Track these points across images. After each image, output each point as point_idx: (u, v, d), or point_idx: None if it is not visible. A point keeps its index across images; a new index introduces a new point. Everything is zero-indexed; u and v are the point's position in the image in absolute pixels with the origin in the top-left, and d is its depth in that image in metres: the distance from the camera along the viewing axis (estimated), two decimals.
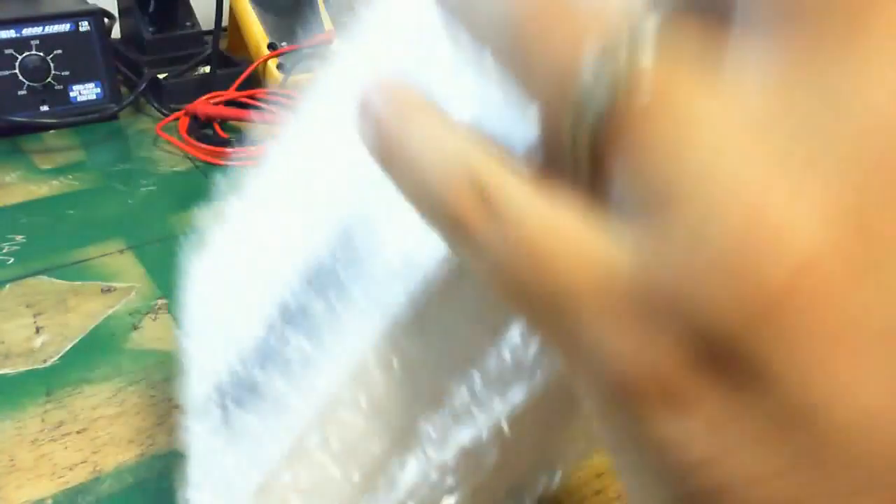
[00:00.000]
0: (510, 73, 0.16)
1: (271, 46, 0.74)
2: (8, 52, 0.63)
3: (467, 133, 0.17)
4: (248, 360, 0.25)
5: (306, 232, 0.25)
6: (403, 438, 0.22)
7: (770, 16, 0.13)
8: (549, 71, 0.15)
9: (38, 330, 0.42)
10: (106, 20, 0.68)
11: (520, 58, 0.15)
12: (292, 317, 0.23)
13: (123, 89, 0.72)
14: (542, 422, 0.22)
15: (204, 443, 0.26)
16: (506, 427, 0.21)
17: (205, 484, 0.26)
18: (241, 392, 0.25)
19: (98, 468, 0.33)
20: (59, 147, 0.64)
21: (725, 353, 0.13)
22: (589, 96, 0.14)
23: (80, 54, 0.66)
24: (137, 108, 0.71)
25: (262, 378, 0.24)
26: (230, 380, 0.26)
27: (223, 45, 0.80)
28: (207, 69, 0.72)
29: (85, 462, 0.34)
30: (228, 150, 0.62)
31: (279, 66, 0.73)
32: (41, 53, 0.64)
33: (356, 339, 0.21)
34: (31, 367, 0.39)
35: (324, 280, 0.22)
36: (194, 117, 0.65)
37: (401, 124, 0.17)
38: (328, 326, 0.22)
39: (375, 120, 0.18)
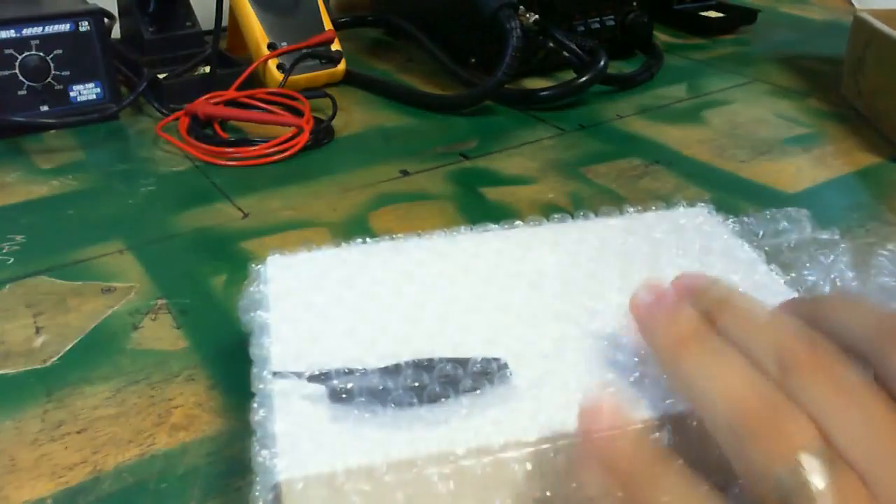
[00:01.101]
0: (725, 448, 0.24)
1: (271, 46, 0.74)
2: (8, 52, 0.63)
3: (703, 495, 0.24)
4: (372, 372, 0.29)
5: (479, 323, 0.32)
6: None
7: None
8: (757, 460, 0.23)
9: (38, 330, 0.42)
10: (106, 20, 0.68)
11: (738, 443, 0.24)
12: (430, 371, 0.29)
13: (123, 89, 0.72)
14: None
15: (300, 407, 0.28)
16: None
17: (295, 443, 0.27)
18: (360, 388, 0.28)
19: (98, 468, 0.33)
20: (59, 147, 0.64)
21: None
22: (780, 486, 0.22)
23: (80, 54, 0.66)
24: (137, 108, 0.71)
25: (382, 393, 0.28)
26: (346, 374, 0.29)
27: (223, 45, 0.80)
28: (207, 69, 0.72)
29: (85, 462, 0.34)
30: (228, 150, 0.62)
31: (279, 66, 0.73)
32: (41, 53, 0.64)
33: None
34: (31, 367, 0.39)
35: (469, 372, 0.29)
36: (194, 117, 0.65)
37: (651, 484, 0.24)
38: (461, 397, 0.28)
39: (624, 475, 0.25)
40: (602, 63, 0.73)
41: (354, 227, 0.52)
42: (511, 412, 0.28)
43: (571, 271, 0.36)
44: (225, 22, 0.77)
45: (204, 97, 0.66)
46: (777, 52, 0.90)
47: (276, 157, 0.62)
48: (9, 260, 0.49)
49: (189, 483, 0.33)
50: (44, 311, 0.44)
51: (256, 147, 0.62)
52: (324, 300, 0.34)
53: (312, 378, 0.29)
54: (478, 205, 0.56)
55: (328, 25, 0.78)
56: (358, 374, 0.29)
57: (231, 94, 0.68)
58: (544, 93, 0.73)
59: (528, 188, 0.58)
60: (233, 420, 0.36)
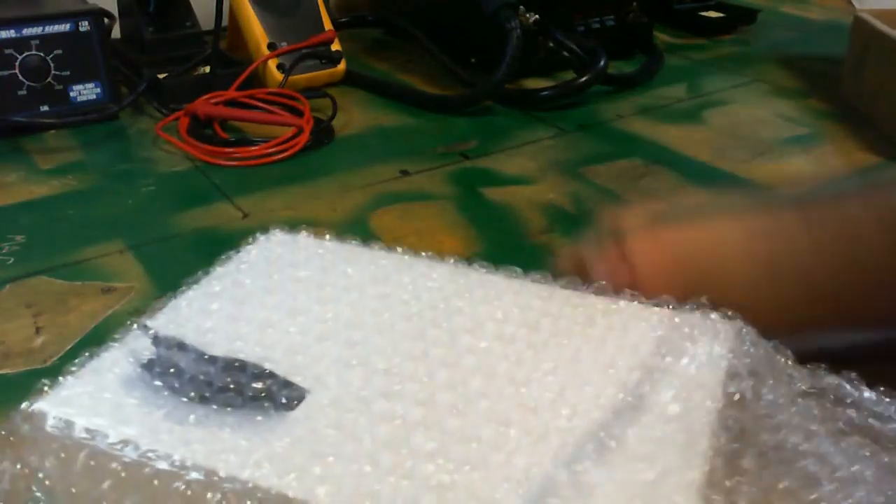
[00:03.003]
0: None
1: (271, 46, 0.74)
2: (8, 52, 0.63)
3: None
4: (195, 354, 0.30)
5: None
6: None
7: None
8: None
9: (38, 330, 0.42)
10: (106, 20, 0.68)
11: None
12: (226, 372, 0.29)
13: (123, 89, 0.72)
14: None
15: (120, 359, 0.30)
16: None
17: (74, 387, 0.29)
18: (162, 363, 0.29)
19: None
20: (59, 147, 0.64)
21: None
22: None
23: (80, 54, 0.66)
24: (137, 108, 0.71)
25: (174, 375, 0.29)
26: (175, 347, 0.30)
27: (223, 45, 0.80)
28: (207, 69, 0.72)
29: None
30: (228, 150, 0.62)
31: (279, 66, 0.73)
32: (41, 53, 0.64)
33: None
34: (31, 367, 0.39)
35: (249, 387, 0.29)
36: (194, 117, 0.65)
37: None
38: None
39: None
40: (602, 63, 0.73)
41: (354, 227, 0.52)
42: (232, 439, 0.27)
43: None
44: (225, 22, 0.77)
45: (204, 97, 0.66)
46: (777, 52, 0.90)
47: (276, 157, 0.62)
48: (9, 260, 0.49)
49: None
50: (44, 311, 0.44)
51: (256, 147, 0.62)
52: (254, 282, 0.35)
53: (153, 340, 0.30)
54: (478, 205, 0.56)
55: (328, 25, 0.78)
56: (183, 351, 0.30)
57: (231, 94, 0.68)
58: (544, 93, 0.73)
59: (528, 188, 0.58)
60: None
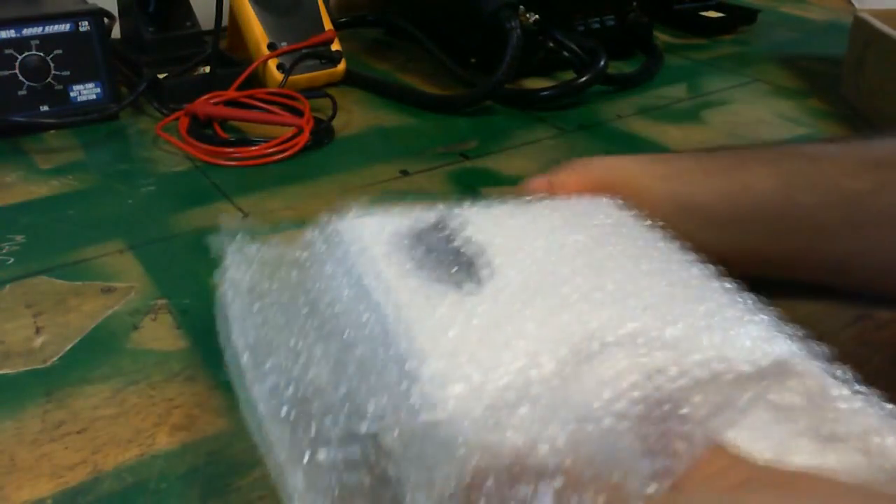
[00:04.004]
0: None
1: (271, 46, 0.74)
2: (8, 52, 0.63)
3: None
4: None
5: None
6: None
7: None
8: None
9: (38, 330, 0.42)
10: (106, 20, 0.68)
11: None
12: None
13: (123, 89, 0.72)
14: None
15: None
16: None
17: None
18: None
19: (98, 468, 0.33)
20: (59, 147, 0.64)
21: None
22: None
23: (80, 54, 0.66)
24: (137, 108, 0.71)
25: None
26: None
27: (223, 45, 0.80)
28: (207, 69, 0.72)
29: (85, 462, 0.34)
30: (228, 150, 0.62)
31: (279, 66, 0.73)
32: (41, 53, 0.64)
33: None
34: (31, 367, 0.39)
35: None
36: (194, 117, 0.65)
37: None
38: None
39: None
40: (602, 63, 0.73)
41: None
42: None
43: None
44: (225, 22, 0.77)
45: (204, 97, 0.66)
46: (777, 52, 0.90)
47: (276, 157, 0.62)
48: (9, 260, 0.49)
49: (189, 483, 0.33)
50: (44, 311, 0.44)
51: (256, 147, 0.62)
52: (545, 216, 0.39)
53: (439, 217, 0.36)
54: None
55: (328, 25, 0.78)
56: (443, 232, 0.35)
57: (231, 94, 0.68)
58: (544, 93, 0.73)
59: None
60: (233, 420, 0.36)
